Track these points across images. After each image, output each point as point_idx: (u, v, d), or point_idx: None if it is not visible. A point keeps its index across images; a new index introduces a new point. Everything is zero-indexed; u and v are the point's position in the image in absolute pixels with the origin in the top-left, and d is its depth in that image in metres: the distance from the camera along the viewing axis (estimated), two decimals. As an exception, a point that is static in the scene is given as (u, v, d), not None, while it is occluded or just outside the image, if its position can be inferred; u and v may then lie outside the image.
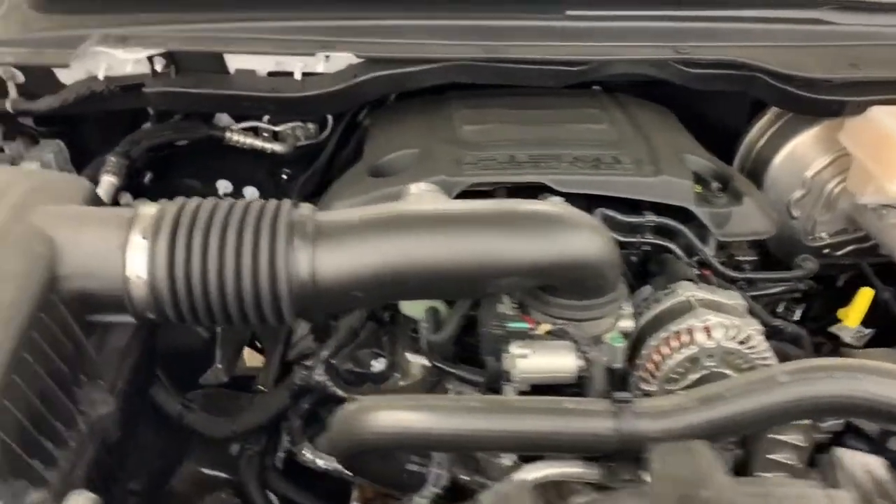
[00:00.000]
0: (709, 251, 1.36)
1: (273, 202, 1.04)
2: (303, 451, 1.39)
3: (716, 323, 1.16)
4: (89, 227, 1.00)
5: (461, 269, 1.01)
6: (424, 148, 1.41)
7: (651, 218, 1.33)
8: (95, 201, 1.10)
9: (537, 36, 1.43)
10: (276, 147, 1.70)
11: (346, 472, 1.27)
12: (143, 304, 0.99)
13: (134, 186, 1.64)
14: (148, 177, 1.74)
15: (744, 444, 1.27)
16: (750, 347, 1.17)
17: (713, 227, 1.35)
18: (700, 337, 1.16)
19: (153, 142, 1.60)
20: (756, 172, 1.62)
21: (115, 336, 1.11)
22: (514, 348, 1.09)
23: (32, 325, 0.90)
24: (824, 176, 1.56)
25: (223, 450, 1.55)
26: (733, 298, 1.24)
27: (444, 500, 1.22)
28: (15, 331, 0.88)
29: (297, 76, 1.43)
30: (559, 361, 1.09)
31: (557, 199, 1.25)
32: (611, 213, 1.30)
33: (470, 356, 1.26)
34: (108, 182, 1.47)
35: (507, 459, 1.18)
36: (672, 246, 1.35)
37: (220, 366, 1.71)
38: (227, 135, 1.65)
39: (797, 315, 1.57)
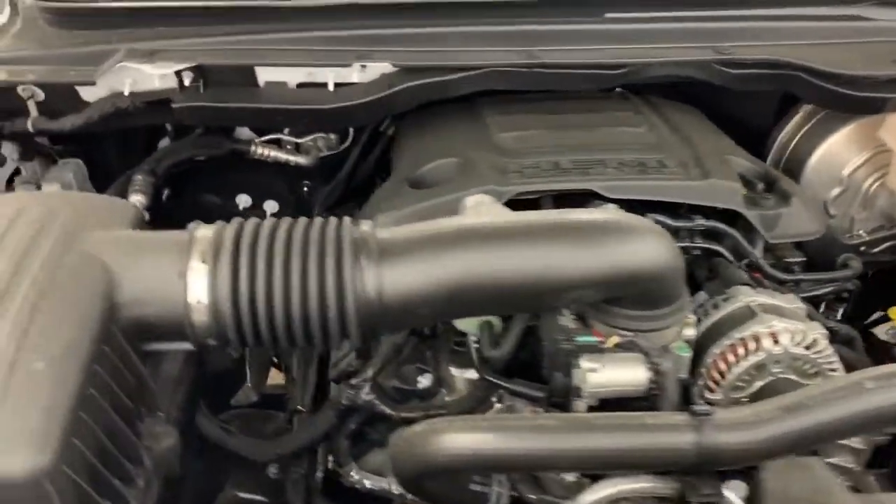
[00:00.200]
0: (757, 253, 1.34)
1: (332, 220, 1.00)
2: (350, 472, 1.36)
3: (782, 328, 1.14)
4: (146, 252, 0.95)
5: (531, 283, 0.98)
6: (463, 157, 1.37)
7: (700, 222, 1.30)
8: (142, 224, 1.06)
9: (577, 40, 1.40)
10: (301, 159, 1.66)
11: (406, 493, 1.23)
12: (204, 330, 0.95)
13: (151, 204, 1.60)
14: (165, 193, 1.70)
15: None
16: (817, 352, 1.15)
17: (763, 230, 1.33)
18: (767, 343, 1.14)
19: (177, 158, 1.56)
20: (791, 172, 1.60)
21: (167, 364, 1.07)
22: (585, 362, 1.05)
23: (96, 358, 0.86)
24: (861, 173, 1.55)
25: (260, 473, 1.51)
26: (792, 302, 1.23)
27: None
28: (80, 366, 0.83)
29: (331, 87, 1.39)
30: (630, 374, 1.06)
31: (612, 206, 1.22)
32: (661, 218, 1.27)
33: (518, 370, 1.23)
34: (137, 202, 1.43)
35: (570, 475, 1.15)
36: (721, 249, 1.33)
37: (249, 385, 1.68)
38: (252, 148, 1.61)
39: (839, 315, 1.56)
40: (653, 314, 1.07)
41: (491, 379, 1.22)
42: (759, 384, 1.16)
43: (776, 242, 1.37)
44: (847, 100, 1.40)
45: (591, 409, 1.08)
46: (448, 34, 1.41)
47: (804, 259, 1.41)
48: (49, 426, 0.78)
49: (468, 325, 1.24)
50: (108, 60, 1.37)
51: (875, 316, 1.71)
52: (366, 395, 1.31)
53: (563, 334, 1.09)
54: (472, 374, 1.31)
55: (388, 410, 1.31)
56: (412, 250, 0.98)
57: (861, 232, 1.60)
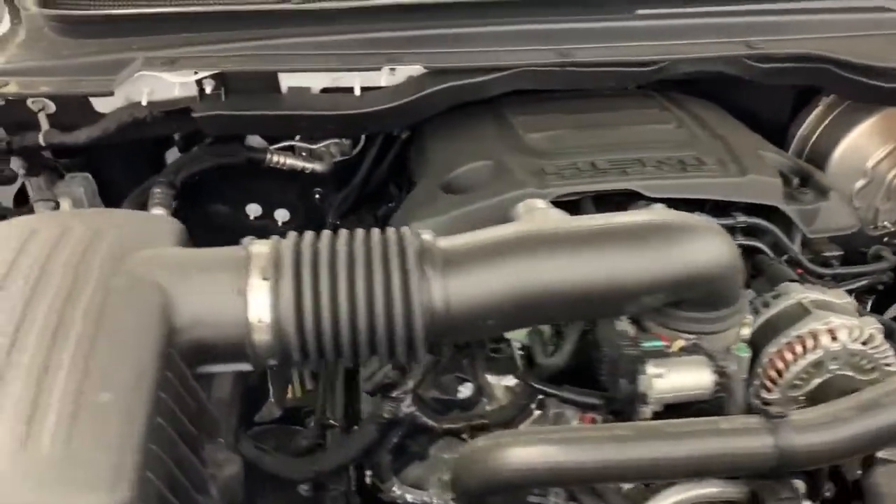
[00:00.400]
0: (796, 249, 1.33)
1: (392, 230, 0.96)
2: (392, 487, 1.32)
3: (839, 325, 1.12)
4: (201, 271, 0.90)
5: (601, 289, 0.95)
6: (495, 159, 1.34)
7: (742, 219, 1.29)
8: (187, 241, 1.01)
9: (607, 37, 1.38)
10: (316, 166, 1.61)
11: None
12: (266, 350, 0.90)
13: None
14: (174, 204, 1.65)
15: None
16: (874, 347, 1.14)
17: (802, 225, 1.32)
18: (825, 340, 1.12)
19: (195, 169, 1.50)
20: (813, 165, 1.59)
21: (217, 387, 1.02)
22: (651, 368, 1.03)
23: (160, 385, 0.81)
24: (885, 165, 1.56)
25: (292, 492, 1.46)
26: (841, 297, 1.21)
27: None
28: (146, 395, 0.78)
29: (357, 91, 1.35)
30: (696, 378, 1.04)
31: (660, 206, 1.20)
32: (705, 217, 1.25)
33: (562, 377, 1.21)
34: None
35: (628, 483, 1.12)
36: (762, 246, 1.31)
37: (273, 401, 1.63)
38: (268, 156, 1.56)
39: (868, 307, 1.55)
40: (716, 315, 1.05)
41: (540, 387, 1.19)
42: (816, 382, 1.14)
43: (814, 237, 1.36)
44: (877, 91, 1.40)
45: (656, 414, 1.06)
46: (476, 34, 1.38)
47: (841, 253, 1.40)
48: (122, 461, 0.73)
49: (516, 332, 1.21)
50: (124, 69, 1.31)
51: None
52: (407, 407, 1.27)
53: (627, 340, 1.06)
54: (509, 381, 1.29)
55: (430, 422, 1.27)
56: (477, 259, 0.95)
57: (886, 223, 1.60)
